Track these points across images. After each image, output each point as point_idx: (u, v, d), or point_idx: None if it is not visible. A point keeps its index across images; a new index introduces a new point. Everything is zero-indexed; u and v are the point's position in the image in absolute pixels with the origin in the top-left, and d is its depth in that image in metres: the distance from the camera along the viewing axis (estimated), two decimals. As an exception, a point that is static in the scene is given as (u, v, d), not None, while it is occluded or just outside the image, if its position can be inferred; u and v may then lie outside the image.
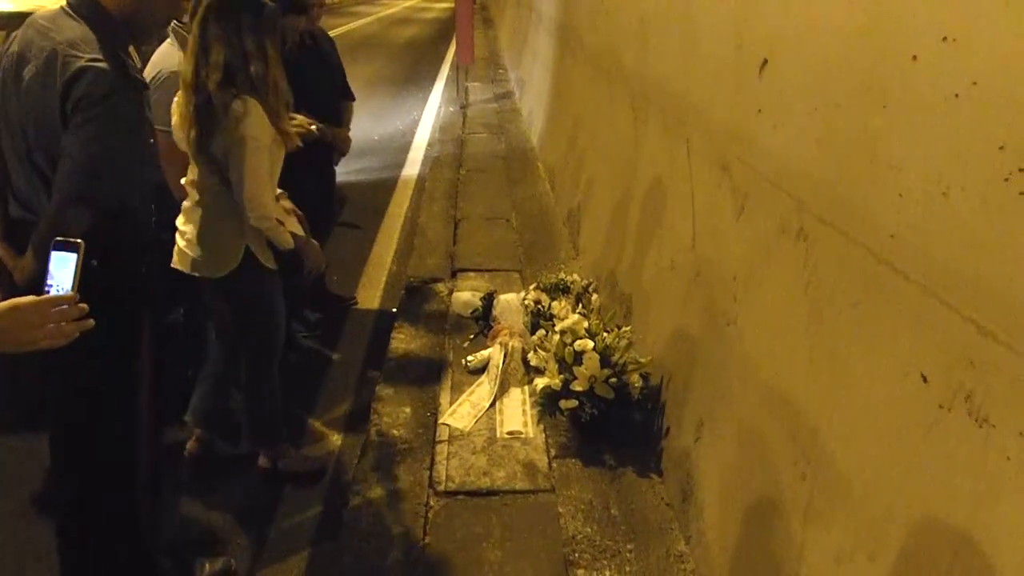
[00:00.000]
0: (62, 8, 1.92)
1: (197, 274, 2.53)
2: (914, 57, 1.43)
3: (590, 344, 2.70)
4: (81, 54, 1.82)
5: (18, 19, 3.99)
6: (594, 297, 3.45)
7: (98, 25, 1.88)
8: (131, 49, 2.00)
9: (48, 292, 1.36)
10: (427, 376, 3.38)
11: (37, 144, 1.85)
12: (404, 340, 3.64)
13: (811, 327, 1.75)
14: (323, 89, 3.73)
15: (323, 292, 4.22)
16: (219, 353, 2.90)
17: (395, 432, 2.95)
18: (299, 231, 2.69)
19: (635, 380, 2.66)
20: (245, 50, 2.39)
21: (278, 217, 2.55)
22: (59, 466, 2.21)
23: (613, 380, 2.65)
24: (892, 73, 1.50)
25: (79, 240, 1.39)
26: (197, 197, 2.50)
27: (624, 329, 2.84)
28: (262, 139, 2.41)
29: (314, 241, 2.77)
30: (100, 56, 1.85)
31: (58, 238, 1.39)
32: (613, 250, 3.68)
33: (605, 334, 2.80)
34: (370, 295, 4.43)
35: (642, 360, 2.72)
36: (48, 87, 1.80)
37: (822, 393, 1.68)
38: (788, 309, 1.88)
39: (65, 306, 1.34)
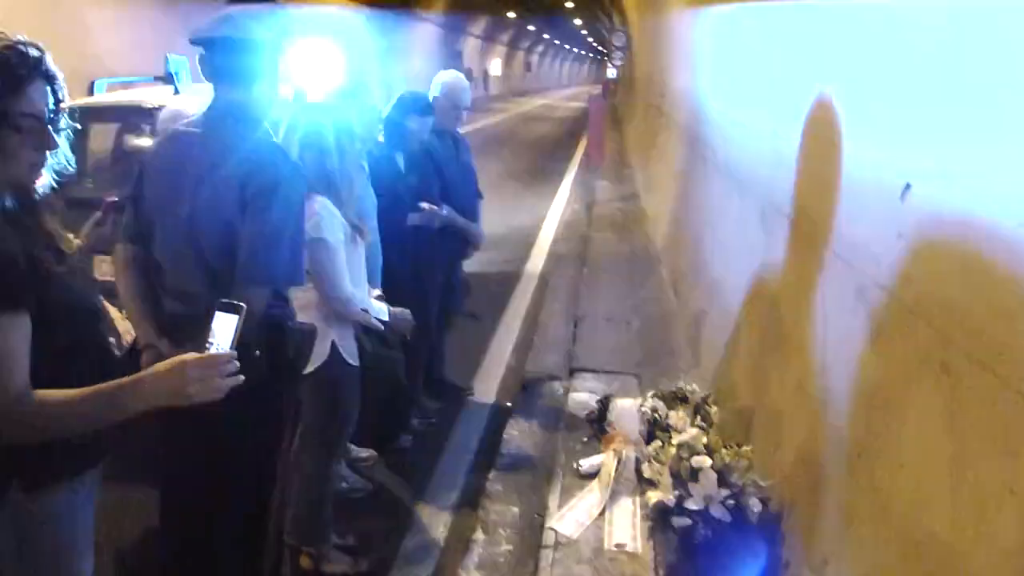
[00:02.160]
0: (209, 113, 2.11)
1: None
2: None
3: (708, 461, 2.61)
4: (252, 149, 2.00)
5: (113, 110, 4.44)
6: (713, 410, 3.35)
7: (250, 123, 2.07)
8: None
9: (208, 350, 1.47)
10: (537, 475, 3.35)
11: (208, 244, 2.01)
12: (517, 436, 3.65)
13: (955, 470, 1.64)
14: (461, 187, 3.93)
15: (441, 380, 4.31)
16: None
17: (501, 531, 2.93)
18: (384, 314, 2.82)
19: (754, 504, 2.54)
20: (321, 147, 2.55)
21: (362, 306, 2.69)
22: (171, 525, 2.31)
23: (730, 502, 2.53)
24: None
25: (242, 303, 1.50)
26: None
27: (744, 448, 2.73)
28: (336, 238, 2.54)
29: (401, 309, 2.91)
30: (268, 148, 2.03)
31: (222, 300, 1.51)
32: (735, 363, 3.58)
33: (724, 451, 2.70)
34: (487, 387, 4.48)
35: (762, 483, 2.60)
36: (223, 186, 1.96)
37: (968, 544, 1.55)
38: (929, 447, 1.76)
39: (223, 364, 1.45)
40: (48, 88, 1.43)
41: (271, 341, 2.04)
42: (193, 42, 2.01)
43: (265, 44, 2.02)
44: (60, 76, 1.47)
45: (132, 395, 1.42)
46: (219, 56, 2.02)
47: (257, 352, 2.01)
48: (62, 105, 1.48)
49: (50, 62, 1.45)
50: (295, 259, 2.07)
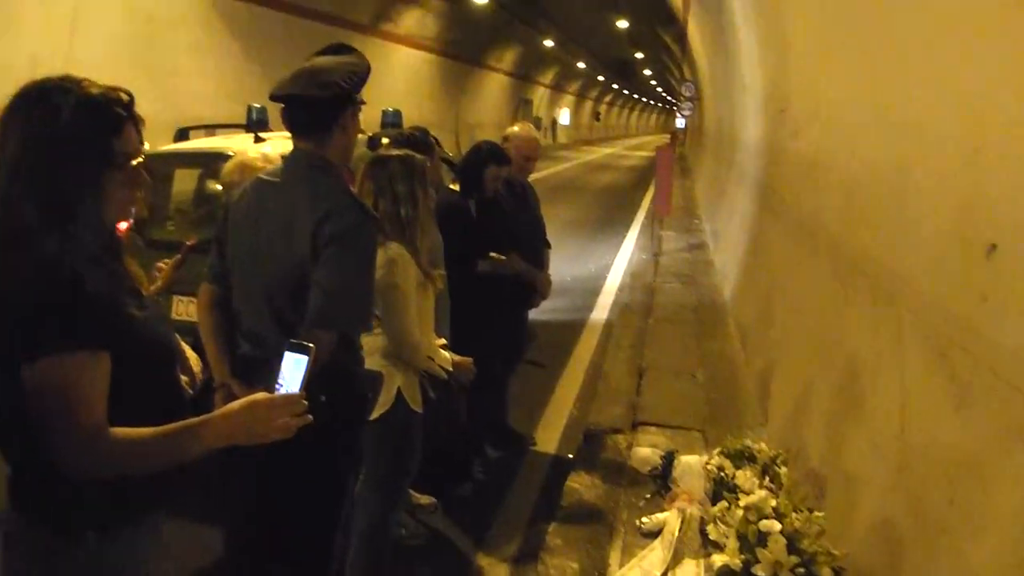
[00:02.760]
0: (287, 164, 2.17)
1: None
2: None
3: (777, 526, 2.51)
4: (326, 198, 2.05)
5: (197, 156, 4.58)
6: (783, 471, 3.23)
7: (326, 173, 2.12)
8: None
9: (278, 390, 1.49)
10: (598, 531, 3.28)
11: (281, 289, 2.06)
12: (578, 490, 3.59)
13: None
14: (529, 235, 3.96)
15: (503, 429, 4.28)
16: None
17: (560, 588, 2.86)
18: (448, 363, 2.83)
19: (826, 574, 2.42)
20: (395, 194, 2.59)
21: (429, 354, 2.72)
22: (235, 568, 2.33)
23: (800, 570, 2.42)
24: None
25: (311, 344, 1.52)
26: None
27: (816, 514, 2.62)
28: (408, 285, 2.57)
29: (464, 358, 2.91)
30: (341, 197, 2.08)
31: (292, 341, 1.53)
32: (806, 421, 3.46)
33: (794, 515, 2.59)
34: (548, 437, 4.43)
35: (835, 552, 2.48)
36: (295, 232, 2.02)
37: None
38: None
39: (292, 404, 1.48)
40: (135, 130, 1.51)
41: (337, 386, 2.06)
42: (272, 98, 2.09)
43: (340, 99, 2.08)
44: (142, 119, 1.54)
45: (204, 433, 1.44)
46: (295, 111, 2.09)
47: (323, 397, 2.04)
48: (144, 147, 1.55)
49: (135, 105, 1.52)
50: (364, 306, 2.10)
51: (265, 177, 2.20)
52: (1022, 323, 1.79)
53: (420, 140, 3.35)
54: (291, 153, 2.16)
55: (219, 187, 4.46)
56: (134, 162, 1.49)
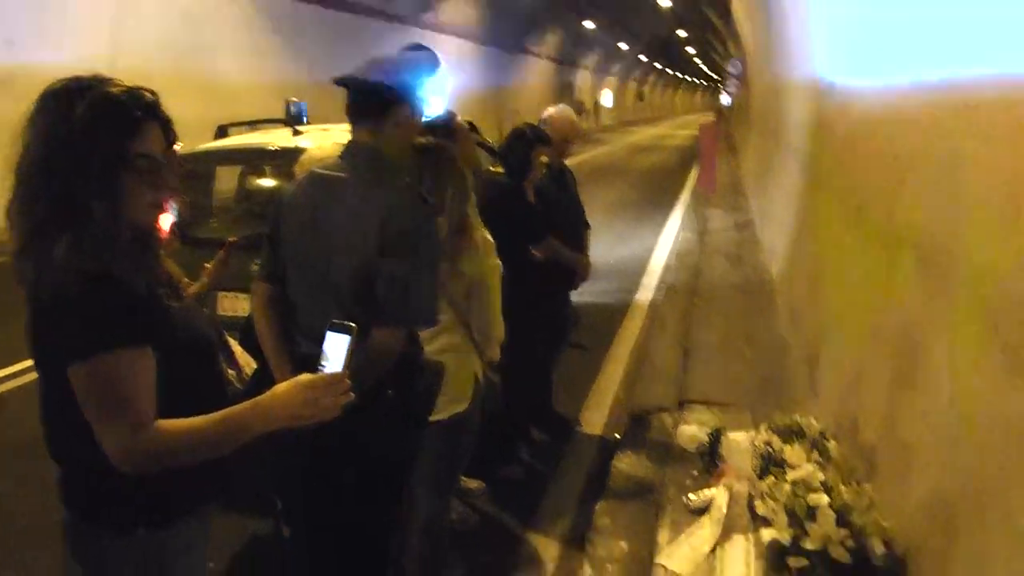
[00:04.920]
0: (345, 157, 2.14)
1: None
2: None
3: (825, 499, 2.49)
4: (389, 192, 2.04)
5: (238, 153, 4.57)
6: (831, 445, 3.19)
7: (386, 166, 2.11)
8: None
9: (322, 370, 1.49)
10: (646, 509, 3.29)
11: (348, 284, 2.03)
12: (625, 469, 3.60)
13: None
14: (569, 218, 3.95)
15: (548, 412, 4.30)
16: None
17: (609, 567, 2.88)
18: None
19: (877, 546, 2.39)
20: (441, 183, 2.54)
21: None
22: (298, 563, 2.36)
23: (850, 543, 2.40)
24: None
25: (352, 324, 1.51)
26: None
27: (866, 486, 2.58)
28: (495, 277, 2.56)
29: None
30: (404, 192, 2.07)
31: (334, 320, 1.53)
32: (855, 396, 3.41)
33: (843, 488, 2.56)
34: (594, 419, 4.44)
35: (886, 524, 2.45)
36: (361, 227, 2.00)
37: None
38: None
39: (336, 383, 1.48)
40: (161, 130, 1.50)
41: (403, 381, 2.08)
42: (334, 81, 2.07)
43: (391, 88, 2.05)
44: (171, 119, 1.53)
45: (251, 418, 1.46)
46: (351, 96, 2.08)
47: (390, 392, 2.05)
48: (175, 147, 1.54)
49: (162, 106, 1.51)
50: (432, 301, 2.08)
51: (320, 171, 2.16)
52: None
53: (442, 124, 3.14)
54: (347, 146, 2.14)
55: (260, 182, 4.53)
56: (157, 162, 1.48)
